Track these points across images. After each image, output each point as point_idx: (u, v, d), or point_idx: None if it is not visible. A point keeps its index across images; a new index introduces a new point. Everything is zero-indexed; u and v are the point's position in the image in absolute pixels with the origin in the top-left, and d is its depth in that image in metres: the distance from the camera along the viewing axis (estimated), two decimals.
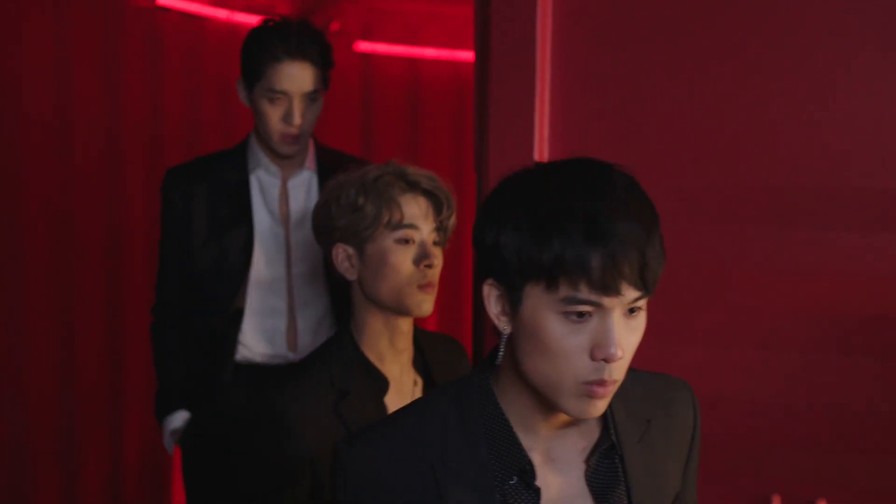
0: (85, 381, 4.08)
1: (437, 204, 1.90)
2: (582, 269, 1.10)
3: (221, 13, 4.56)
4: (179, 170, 2.73)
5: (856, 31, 1.88)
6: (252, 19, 4.71)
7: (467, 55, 5.05)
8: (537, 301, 1.15)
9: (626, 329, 1.16)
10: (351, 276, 1.89)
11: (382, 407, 1.84)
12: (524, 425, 1.25)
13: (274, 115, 2.52)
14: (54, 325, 3.95)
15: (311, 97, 2.53)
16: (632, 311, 1.17)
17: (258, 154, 2.65)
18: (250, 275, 2.59)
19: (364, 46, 5.23)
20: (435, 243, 1.89)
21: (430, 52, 5.36)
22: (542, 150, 2.03)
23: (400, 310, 1.85)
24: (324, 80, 2.58)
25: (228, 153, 2.71)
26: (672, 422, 1.36)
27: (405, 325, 1.89)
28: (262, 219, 2.63)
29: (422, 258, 1.83)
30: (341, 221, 1.87)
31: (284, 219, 2.65)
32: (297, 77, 2.48)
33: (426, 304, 1.85)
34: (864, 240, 1.89)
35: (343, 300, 2.49)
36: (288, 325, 2.65)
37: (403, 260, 1.83)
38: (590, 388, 1.15)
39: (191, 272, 2.65)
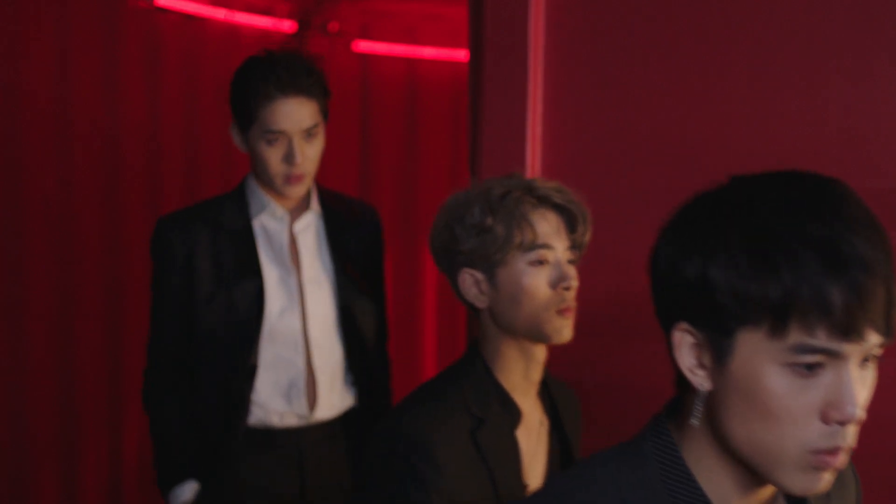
0: (85, 382, 4.09)
1: (569, 219, 1.73)
2: (821, 307, 0.90)
3: (220, 13, 4.58)
4: (176, 218, 2.45)
5: (851, 34, 1.89)
6: (252, 19, 4.73)
7: (465, 55, 5.06)
8: (755, 350, 0.94)
9: (860, 384, 0.94)
10: (481, 303, 1.73)
11: (514, 441, 1.70)
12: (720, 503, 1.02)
13: (274, 157, 2.32)
14: (54, 325, 3.96)
15: (310, 132, 2.33)
16: (865, 359, 0.95)
17: (260, 198, 2.44)
18: (263, 328, 2.37)
19: (362, 47, 5.24)
20: (570, 262, 1.73)
21: (428, 53, 5.38)
22: (534, 150, 2.04)
23: (538, 337, 1.69)
24: (323, 113, 2.41)
25: (227, 198, 2.49)
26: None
27: (541, 354, 1.74)
28: (271, 268, 2.42)
29: (558, 280, 1.67)
30: (467, 245, 1.71)
31: (295, 265, 2.45)
32: (293, 114, 2.28)
33: (566, 330, 1.69)
34: None
35: (359, 349, 2.48)
36: (307, 380, 2.43)
37: (539, 283, 1.67)
38: (819, 459, 0.93)
39: (195, 330, 2.39)
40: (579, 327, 1.72)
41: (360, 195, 5.40)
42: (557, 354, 2.10)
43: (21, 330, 3.85)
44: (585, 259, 2.02)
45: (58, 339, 3.98)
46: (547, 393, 1.82)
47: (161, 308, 2.43)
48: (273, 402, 2.40)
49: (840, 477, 1.21)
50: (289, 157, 2.30)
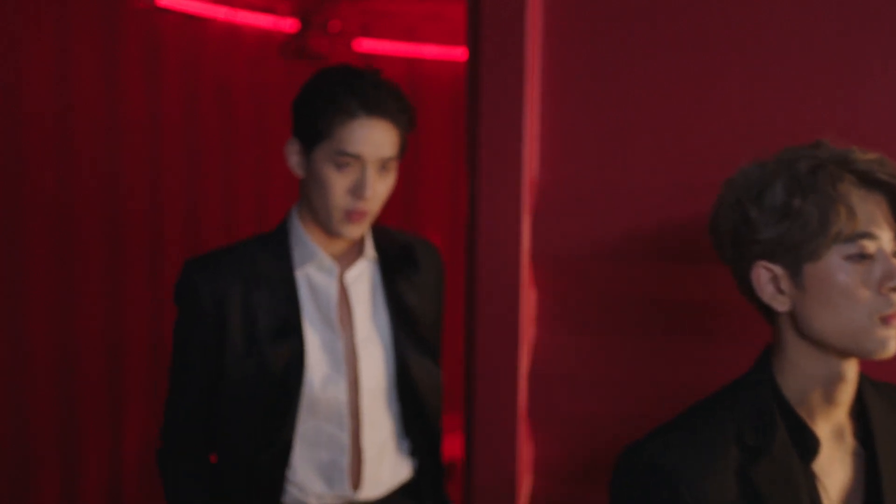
0: (85, 380, 4.10)
1: (893, 200, 1.40)
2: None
3: (221, 12, 4.58)
4: (206, 262, 2.04)
5: (848, 34, 1.89)
6: (253, 19, 4.74)
7: (465, 54, 5.07)
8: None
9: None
10: (781, 305, 1.40)
11: (809, 478, 1.37)
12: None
13: (340, 185, 1.92)
14: (54, 323, 3.97)
15: (386, 165, 1.95)
16: None
17: (307, 244, 2.02)
18: (302, 398, 1.99)
19: (363, 46, 5.25)
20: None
21: (428, 52, 5.38)
22: (532, 149, 2.04)
23: (855, 351, 1.36)
24: (402, 148, 2.00)
25: (265, 241, 2.07)
26: None
27: (851, 372, 1.39)
28: (315, 328, 2.02)
29: (884, 279, 1.33)
30: (767, 233, 1.38)
31: (345, 326, 2.05)
32: (375, 138, 1.91)
33: (892, 342, 1.35)
34: None
35: (418, 416, 2.11)
36: (351, 459, 2.06)
37: (859, 283, 1.34)
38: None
39: (222, 393, 2.01)
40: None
41: None
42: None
43: (22, 329, 3.86)
44: (585, 257, 2.01)
45: (58, 339, 3.99)
46: (865, 413, 1.46)
47: (183, 361, 2.03)
48: (310, 482, 2.04)
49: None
50: (358, 189, 1.91)
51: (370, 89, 1.93)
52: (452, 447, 3.03)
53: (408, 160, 5.65)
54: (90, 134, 4.06)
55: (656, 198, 1.99)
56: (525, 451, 2.08)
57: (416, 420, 2.11)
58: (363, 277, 2.07)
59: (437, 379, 2.14)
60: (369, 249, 2.07)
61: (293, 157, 1.99)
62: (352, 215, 1.93)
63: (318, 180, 1.94)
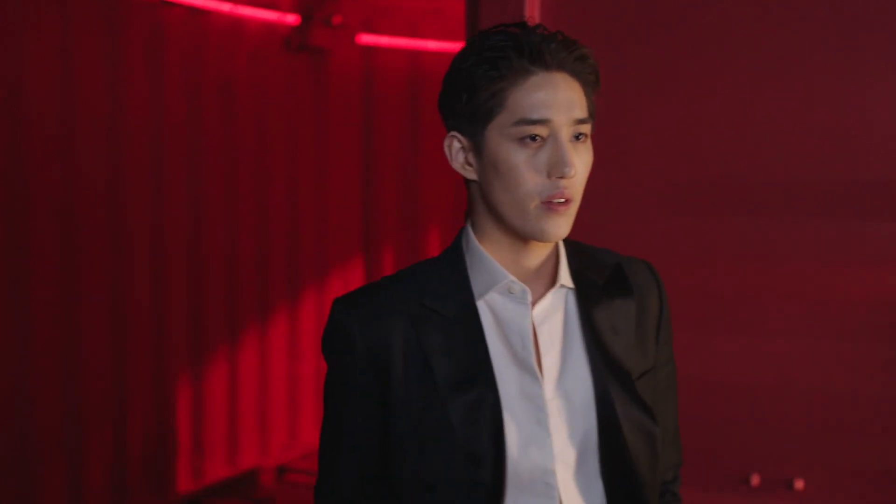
0: (89, 376, 4.12)
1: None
2: None
3: (225, 6, 4.60)
4: (359, 301, 1.56)
5: (840, 34, 1.90)
6: (256, 13, 4.76)
7: None
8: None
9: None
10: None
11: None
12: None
13: (529, 165, 1.45)
14: (58, 320, 3.99)
15: (579, 135, 1.48)
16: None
17: (488, 265, 1.55)
18: (506, 469, 1.51)
19: (365, 39, 5.26)
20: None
21: (430, 46, 5.40)
22: None
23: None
24: (593, 111, 1.54)
25: (433, 267, 1.60)
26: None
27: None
28: (509, 374, 1.55)
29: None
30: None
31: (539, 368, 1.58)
32: (560, 96, 1.47)
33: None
34: (842, 226, 1.92)
35: (627, 487, 1.55)
36: None
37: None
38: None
39: (391, 471, 1.56)
40: None
41: (362, 187, 5.43)
42: None
43: (25, 325, 3.88)
44: None
45: (62, 335, 4.01)
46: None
47: (337, 433, 1.59)
48: None
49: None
50: (555, 165, 1.43)
51: (539, 41, 1.48)
52: None
53: (410, 152, 5.68)
54: (93, 128, 4.07)
55: (654, 196, 2.02)
56: None
57: (628, 499, 1.58)
58: (556, 312, 1.58)
59: (654, 444, 1.59)
60: (564, 275, 1.57)
61: (458, 157, 1.53)
62: (552, 204, 1.45)
63: (499, 168, 1.48)
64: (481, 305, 1.54)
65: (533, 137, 1.43)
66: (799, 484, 1.99)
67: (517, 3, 2.02)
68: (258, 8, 4.77)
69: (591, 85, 1.52)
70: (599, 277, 1.59)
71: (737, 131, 1.99)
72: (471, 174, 1.50)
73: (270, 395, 5.05)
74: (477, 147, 1.48)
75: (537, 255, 1.52)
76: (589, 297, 1.56)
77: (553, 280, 1.55)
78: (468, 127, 1.49)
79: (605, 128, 2.03)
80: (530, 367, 1.51)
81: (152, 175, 4.35)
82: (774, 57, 1.94)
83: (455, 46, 5.31)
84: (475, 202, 1.53)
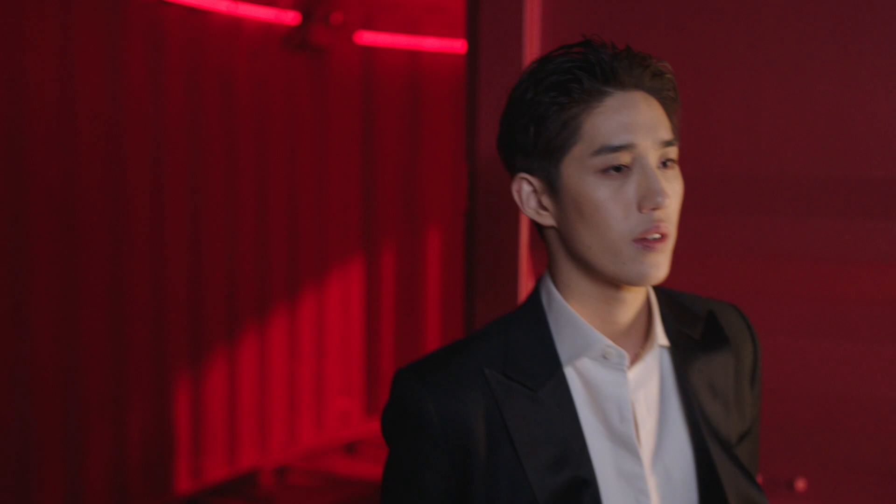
0: (89, 373, 4.11)
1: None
2: None
3: (223, 4, 4.59)
4: (429, 372, 1.31)
5: (841, 30, 1.90)
6: (255, 11, 4.75)
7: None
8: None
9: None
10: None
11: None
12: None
13: (617, 200, 1.24)
14: (58, 316, 3.99)
15: (666, 161, 1.27)
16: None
17: (576, 325, 1.32)
18: None
19: (365, 38, 5.26)
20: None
21: (430, 44, 5.39)
22: None
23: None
24: (677, 132, 1.33)
25: (510, 329, 1.36)
26: None
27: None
28: (602, 450, 1.32)
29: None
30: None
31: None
32: (642, 117, 1.26)
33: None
34: (837, 224, 1.91)
35: None
36: None
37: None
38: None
39: None
40: None
41: (362, 187, 5.43)
42: None
43: (25, 321, 3.88)
44: None
45: (62, 331, 4.00)
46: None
47: None
48: None
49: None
50: (646, 195, 1.22)
51: (610, 58, 1.27)
52: None
53: (410, 151, 5.67)
54: (93, 125, 4.07)
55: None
56: None
57: None
58: (652, 376, 1.35)
59: None
60: (659, 332, 1.35)
61: (529, 201, 1.30)
62: (647, 242, 1.23)
63: (582, 208, 1.26)
64: (570, 373, 1.31)
65: (617, 168, 1.23)
66: (800, 484, 1.99)
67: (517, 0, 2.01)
68: (257, 6, 4.76)
69: (672, 103, 1.31)
70: (694, 332, 1.37)
71: (741, 130, 1.98)
72: (547, 220, 1.28)
73: (270, 395, 5.04)
74: (552, 187, 1.26)
75: (631, 307, 1.30)
76: (685, 356, 1.35)
77: (647, 338, 1.33)
78: (539, 165, 1.27)
79: None
80: (630, 443, 1.29)
81: (152, 173, 4.34)
82: (779, 54, 1.93)
83: (455, 44, 5.31)
84: (555, 251, 1.31)
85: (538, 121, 1.24)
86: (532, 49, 2.04)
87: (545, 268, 1.33)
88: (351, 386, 5.50)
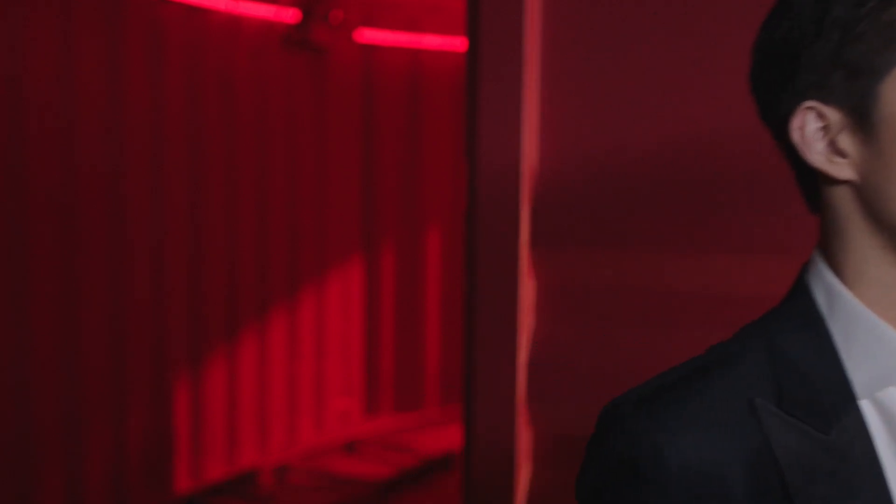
0: (89, 372, 4.11)
1: None
2: None
3: (223, 3, 4.58)
4: (667, 403, 0.86)
5: None
6: (254, 9, 4.74)
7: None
8: None
9: None
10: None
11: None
12: None
13: None
14: (57, 316, 3.99)
15: None
16: None
17: (879, 337, 0.85)
18: None
19: (365, 36, 5.25)
20: None
21: (430, 42, 5.38)
22: (531, 138, 2.04)
23: None
24: None
25: (776, 342, 0.91)
26: None
27: None
28: None
29: None
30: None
31: None
32: None
33: None
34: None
35: None
36: None
37: None
38: None
39: None
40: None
41: (362, 186, 5.42)
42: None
43: (25, 321, 3.87)
44: (584, 247, 2.01)
45: (62, 331, 4.00)
46: None
47: None
48: None
49: None
50: None
51: None
52: (452, 438, 3.04)
53: (410, 149, 5.66)
54: (93, 124, 4.07)
55: (655, 188, 2.00)
56: (524, 441, 2.09)
57: None
58: None
59: None
60: None
61: (815, 141, 0.85)
62: None
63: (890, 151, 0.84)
64: (866, 406, 0.87)
65: None
66: None
67: None
68: (257, 4, 4.75)
69: None
70: None
71: (744, 129, 1.97)
72: (844, 170, 0.84)
73: (269, 395, 5.04)
74: (864, 119, 0.83)
75: None
76: None
77: None
78: (843, 88, 0.84)
79: (606, 127, 2.01)
80: None
81: (152, 173, 4.33)
82: None
83: (455, 42, 5.30)
84: (846, 222, 0.87)
85: (844, 24, 0.83)
86: (532, 49, 2.02)
87: (816, 246, 0.92)
88: (351, 386, 5.49)
